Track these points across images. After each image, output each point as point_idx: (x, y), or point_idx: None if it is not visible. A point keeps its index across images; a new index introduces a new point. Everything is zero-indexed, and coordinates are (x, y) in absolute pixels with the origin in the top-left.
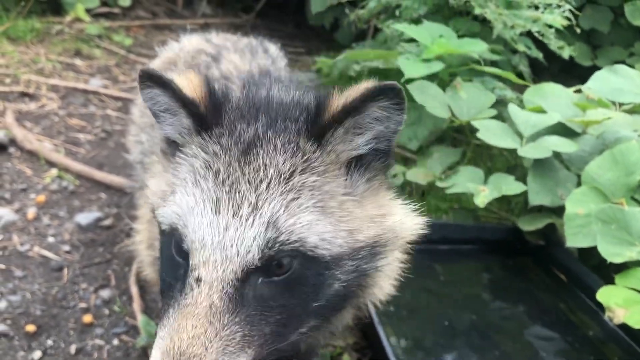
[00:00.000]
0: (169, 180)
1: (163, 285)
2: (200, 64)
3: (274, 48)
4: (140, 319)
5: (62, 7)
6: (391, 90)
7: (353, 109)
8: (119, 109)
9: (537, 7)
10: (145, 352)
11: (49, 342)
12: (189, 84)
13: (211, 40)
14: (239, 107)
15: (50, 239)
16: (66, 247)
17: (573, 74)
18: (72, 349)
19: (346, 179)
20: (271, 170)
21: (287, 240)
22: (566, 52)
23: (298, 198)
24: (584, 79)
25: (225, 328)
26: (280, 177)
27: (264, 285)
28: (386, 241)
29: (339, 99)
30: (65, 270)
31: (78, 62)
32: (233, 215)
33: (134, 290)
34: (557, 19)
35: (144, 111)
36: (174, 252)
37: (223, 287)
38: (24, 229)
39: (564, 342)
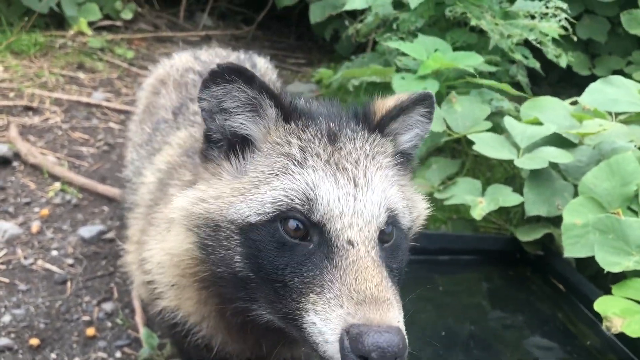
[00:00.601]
0: (246, 177)
1: (263, 278)
2: (188, 83)
3: (262, 62)
4: (143, 331)
5: (65, 21)
6: (430, 98)
7: (405, 109)
8: (121, 122)
9: (533, 17)
10: None
11: (53, 356)
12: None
13: (200, 57)
14: (307, 107)
15: (54, 253)
16: (69, 261)
17: (571, 83)
18: None
19: (400, 168)
20: (360, 153)
21: (392, 207)
22: (563, 61)
23: (387, 175)
24: (582, 88)
25: (389, 280)
26: (367, 157)
27: (384, 251)
28: (416, 226)
29: (390, 101)
30: (69, 284)
31: (81, 75)
32: (355, 187)
33: (137, 303)
34: (554, 28)
35: (138, 130)
36: (286, 234)
37: (373, 245)
38: (27, 242)
39: (562, 352)
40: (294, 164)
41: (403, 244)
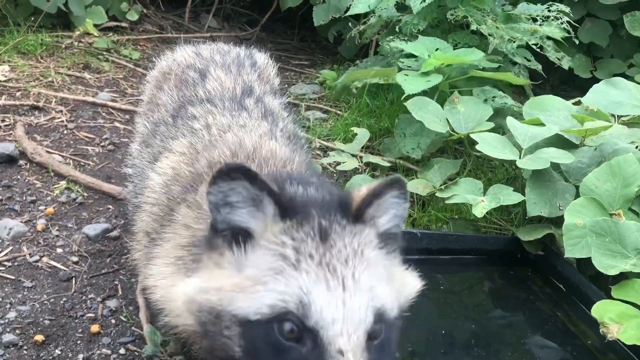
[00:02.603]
0: (245, 272)
1: None
2: (188, 81)
3: (262, 58)
4: (146, 329)
5: (71, 22)
6: (399, 181)
7: (377, 194)
8: (126, 122)
9: (535, 20)
10: None
11: (57, 352)
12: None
13: (201, 53)
14: (302, 199)
15: (59, 250)
16: (74, 258)
17: (573, 86)
18: (80, 358)
19: (384, 252)
20: (349, 250)
21: (380, 306)
22: (565, 63)
23: (374, 270)
24: (584, 91)
25: None
26: (356, 254)
27: (371, 350)
28: (405, 306)
29: (363, 189)
30: (74, 281)
31: (87, 75)
32: (343, 290)
33: (141, 300)
34: (555, 31)
35: (142, 122)
36: (280, 336)
37: (361, 352)
38: (33, 240)
39: (563, 352)
40: (289, 266)
41: (392, 335)
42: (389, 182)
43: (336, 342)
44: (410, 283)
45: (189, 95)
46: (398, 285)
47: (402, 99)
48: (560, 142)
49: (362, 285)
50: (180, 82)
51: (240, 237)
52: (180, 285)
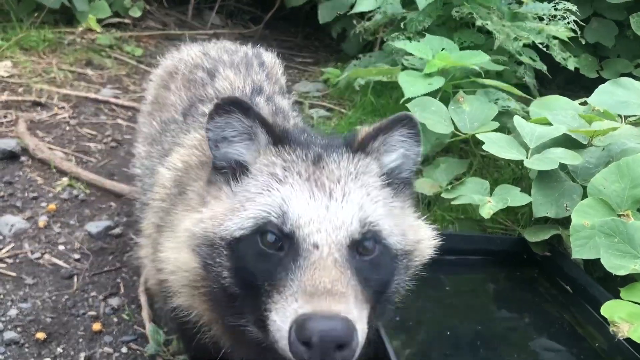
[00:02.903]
0: (237, 197)
1: (245, 290)
2: (196, 81)
3: (270, 58)
4: (149, 327)
5: (74, 18)
6: (408, 118)
7: (383, 128)
8: (129, 119)
9: (541, 19)
10: None
11: (59, 350)
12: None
13: (209, 53)
14: (298, 136)
15: (61, 247)
16: (76, 256)
17: (579, 86)
18: (82, 356)
19: (391, 191)
20: (342, 172)
21: (372, 222)
22: (571, 64)
23: (370, 193)
24: (589, 91)
25: (350, 280)
26: (350, 176)
27: (359, 261)
28: (417, 252)
29: (373, 125)
30: (75, 279)
31: (89, 72)
32: (329, 199)
33: (143, 299)
34: (562, 31)
35: (147, 122)
36: (263, 246)
37: (339, 248)
38: (35, 237)
39: (569, 354)
40: (276, 182)
41: (388, 263)
42: (398, 119)
43: (311, 238)
44: (424, 234)
45: (198, 94)
46: (405, 227)
47: (401, 101)
48: (567, 142)
49: (350, 198)
50: (188, 82)
51: (236, 171)
52: (184, 222)
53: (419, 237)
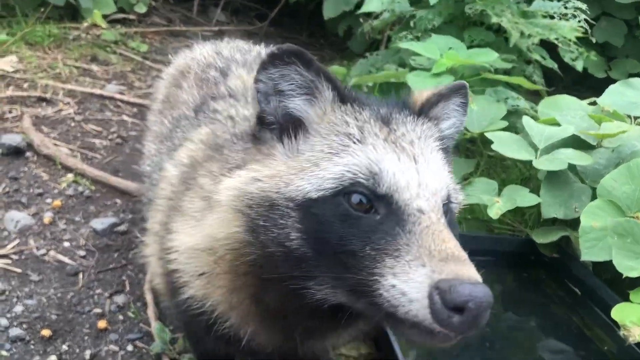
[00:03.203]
0: (304, 156)
1: (321, 253)
2: (209, 80)
3: None
4: (155, 325)
5: (79, 13)
6: (464, 87)
7: (444, 95)
8: (134, 115)
9: (552, 17)
10: (159, 358)
11: (64, 347)
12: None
13: (221, 52)
14: (358, 94)
15: (66, 244)
16: (81, 252)
17: (587, 86)
18: (87, 354)
19: (445, 156)
20: (413, 135)
21: (448, 186)
22: (579, 64)
23: (439, 156)
24: (597, 91)
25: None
26: (420, 140)
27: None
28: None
29: (428, 91)
30: (81, 275)
31: (94, 67)
32: (415, 163)
33: (149, 297)
34: (572, 30)
35: (157, 121)
36: (350, 208)
37: (441, 214)
38: (40, 233)
39: (577, 357)
40: (354, 142)
41: (453, 226)
42: (457, 87)
43: (414, 202)
44: (459, 194)
45: (210, 92)
46: (454, 188)
47: None
48: (576, 142)
49: (432, 163)
50: (201, 80)
51: (290, 128)
52: (228, 181)
53: (457, 202)
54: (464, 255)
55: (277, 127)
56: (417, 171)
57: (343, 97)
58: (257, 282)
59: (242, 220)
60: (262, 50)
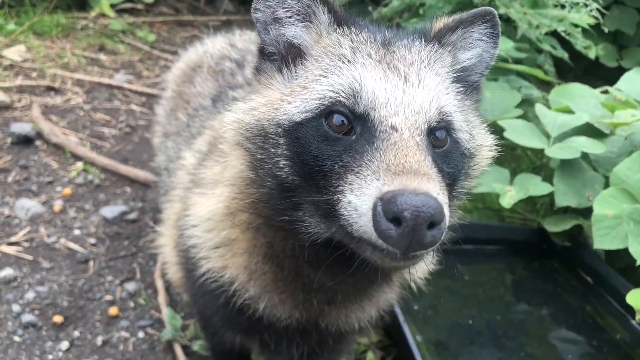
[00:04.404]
0: (296, 81)
1: (306, 178)
2: (225, 71)
3: None
4: (166, 312)
5: (87, 3)
6: (491, 14)
7: (463, 21)
8: (142, 104)
9: (563, 6)
10: (170, 345)
11: (76, 333)
12: None
13: (235, 44)
14: (362, 21)
15: (77, 232)
16: (92, 240)
17: (598, 75)
18: (99, 340)
19: (462, 89)
20: (415, 57)
21: (446, 112)
22: (592, 52)
23: (443, 83)
24: (608, 80)
25: (432, 164)
26: (422, 63)
27: (432, 152)
28: (478, 159)
29: (450, 17)
30: (91, 263)
31: (102, 57)
32: (405, 82)
33: (159, 283)
34: (584, 18)
35: (170, 118)
36: (329, 129)
37: (419, 133)
38: (50, 221)
39: (589, 346)
40: (343, 62)
41: (457, 158)
42: (481, 13)
43: (389, 120)
44: (486, 141)
45: (227, 82)
46: (472, 128)
47: None
48: (589, 130)
49: (426, 84)
50: (215, 72)
51: (289, 57)
52: (229, 114)
53: (482, 142)
54: (425, 170)
55: (277, 57)
56: (403, 91)
57: (340, 20)
58: (266, 232)
59: (244, 156)
60: None
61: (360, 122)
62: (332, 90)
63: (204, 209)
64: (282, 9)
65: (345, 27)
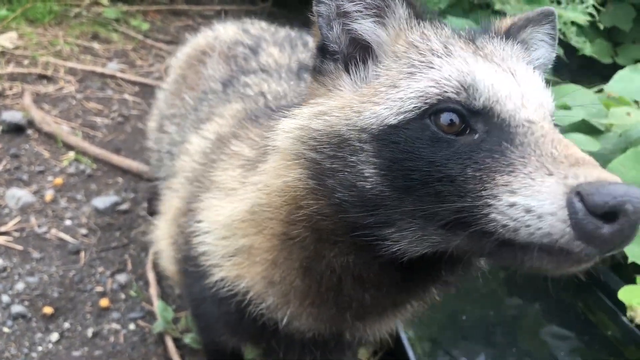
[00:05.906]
0: (377, 80)
1: (404, 188)
2: (238, 56)
3: (312, 41)
4: (158, 304)
5: None
6: (553, 14)
7: (532, 20)
8: (136, 94)
9: (559, 3)
10: (161, 338)
11: (66, 325)
12: None
13: (248, 30)
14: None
15: (68, 222)
16: (83, 231)
17: (592, 71)
18: (89, 332)
19: None
20: (503, 53)
21: (552, 106)
22: (588, 49)
23: (540, 76)
24: (603, 77)
25: None
26: (512, 58)
27: None
28: None
29: (515, 17)
30: (82, 254)
31: (96, 45)
32: (512, 74)
33: (151, 275)
34: (580, 16)
35: (171, 101)
36: (439, 131)
37: (552, 126)
38: (41, 211)
39: (580, 342)
40: (439, 57)
41: None
42: (546, 12)
43: (521, 113)
44: None
45: (240, 67)
46: None
47: None
48: (585, 127)
49: (532, 75)
50: (227, 57)
51: (358, 55)
52: (286, 121)
53: None
54: (592, 159)
55: (341, 56)
56: (518, 83)
57: (419, 14)
58: (311, 246)
59: (304, 165)
60: (290, 32)
61: (481, 119)
62: (435, 86)
63: (215, 216)
64: (350, 2)
65: (425, 21)
